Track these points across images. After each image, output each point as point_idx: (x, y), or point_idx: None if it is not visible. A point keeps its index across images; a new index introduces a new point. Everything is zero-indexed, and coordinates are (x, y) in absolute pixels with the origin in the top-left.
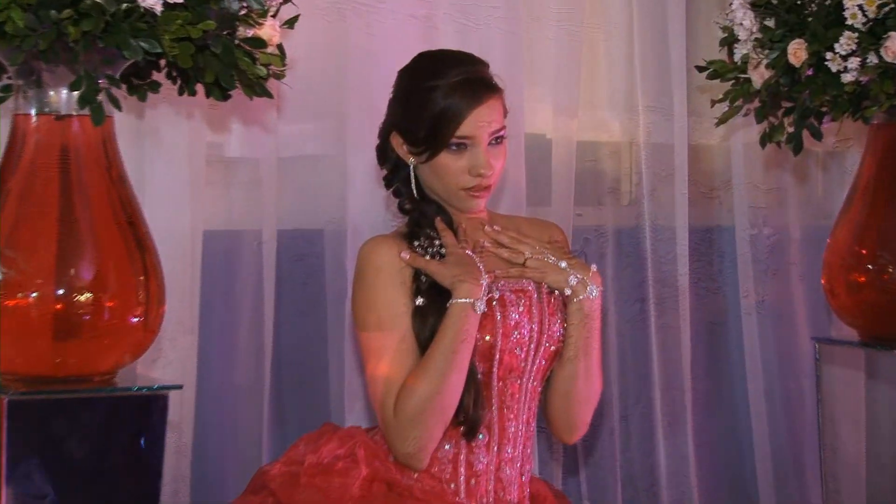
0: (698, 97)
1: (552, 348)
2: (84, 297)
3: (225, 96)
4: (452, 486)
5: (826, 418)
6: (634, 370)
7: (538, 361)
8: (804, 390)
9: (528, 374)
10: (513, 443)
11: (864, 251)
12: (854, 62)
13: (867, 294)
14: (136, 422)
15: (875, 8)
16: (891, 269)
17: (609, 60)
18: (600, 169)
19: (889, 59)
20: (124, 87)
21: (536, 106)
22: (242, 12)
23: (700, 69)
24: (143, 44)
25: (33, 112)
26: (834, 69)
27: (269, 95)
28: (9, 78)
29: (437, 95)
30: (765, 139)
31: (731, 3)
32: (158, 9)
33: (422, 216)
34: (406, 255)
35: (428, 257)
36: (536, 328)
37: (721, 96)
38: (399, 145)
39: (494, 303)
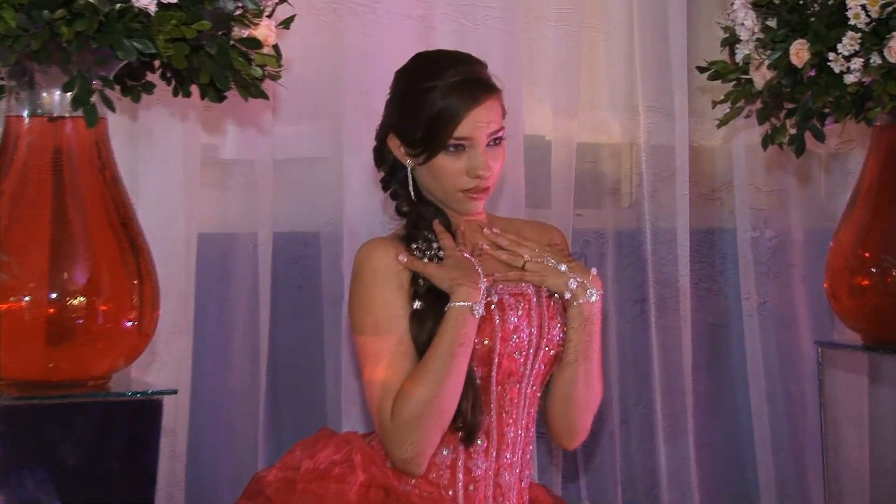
0: (699, 98)
1: (552, 352)
2: (77, 300)
3: (220, 97)
4: (451, 492)
5: (829, 422)
6: (635, 373)
7: (537, 366)
8: (806, 393)
9: (528, 378)
10: (512, 448)
11: (867, 254)
12: (857, 63)
13: (870, 297)
14: (131, 427)
15: (878, 8)
16: (894, 273)
17: (609, 61)
18: (600, 170)
19: (892, 60)
20: (118, 88)
21: (535, 107)
22: (238, 12)
23: (701, 70)
24: (136, 44)
25: (26, 114)
26: (837, 70)
27: (265, 97)
28: (1, 79)
29: (434, 96)
30: (766, 141)
31: (732, 3)
32: (152, 9)
33: (419, 218)
34: (403, 257)
35: (426, 260)
36: (536, 332)
37: (722, 97)
38: (396, 147)
39: (493, 306)
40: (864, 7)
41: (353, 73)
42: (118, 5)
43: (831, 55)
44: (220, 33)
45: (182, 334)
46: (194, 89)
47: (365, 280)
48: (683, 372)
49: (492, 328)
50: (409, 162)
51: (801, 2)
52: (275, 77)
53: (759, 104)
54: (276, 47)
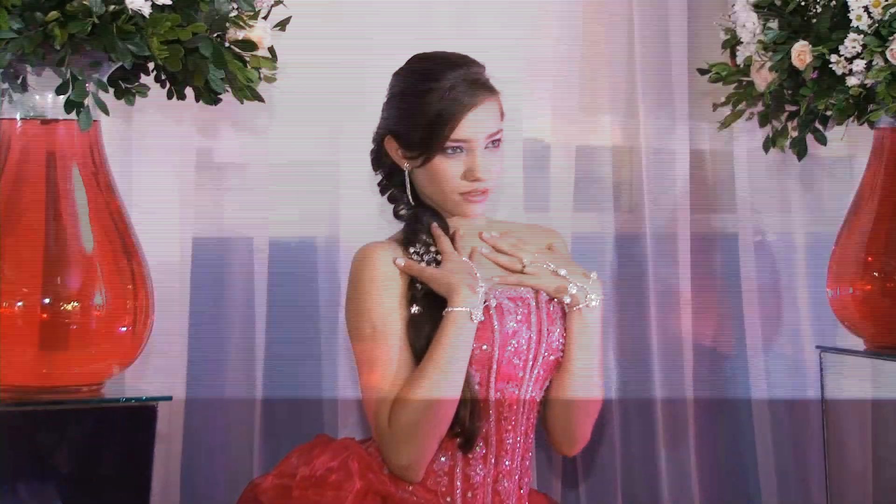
0: (700, 101)
1: (551, 358)
2: (71, 306)
3: (215, 100)
4: (448, 499)
5: (831, 428)
6: (635, 379)
7: (537, 371)
8: (808, 398)
9: (526, 384)
10: (511, 455)
11: (869, 258)
12: (859, 65)
13: (873, 302)
14: (125, 433)
15: (881, 9)
16: None
17: (609, 63)
18: (600, 174)
19: (895, 62)
20: (112, 90)
21: (535, 110)
22: (233, 14)
23: (702, 72)
24: (130, 46)
25: (18, 117)
26: (839, 72)
27: (260, 99)
28: None
29: (432, 98)
30: (768, 144)
31: (733, 5)
32: (146, 11)
33: (417, 222)
34: (401, 261)
35: (423, 264)
36: (535, 337)
37: (723, 100)
38: (394, 150)
39: (492, 311)
40: (866, 9)
41: (350, 75)
42: (112, 7)
43: (833, 57)
44: (214, 35)
45: (177, 340)
46: (189, 92)
47: (362, 285)
48: (684, 377)
49: (490, 333)
50: (406, 165)
51: (802, 3)
52: (270, 79)
53: (760, 107)
54: (271, 49)
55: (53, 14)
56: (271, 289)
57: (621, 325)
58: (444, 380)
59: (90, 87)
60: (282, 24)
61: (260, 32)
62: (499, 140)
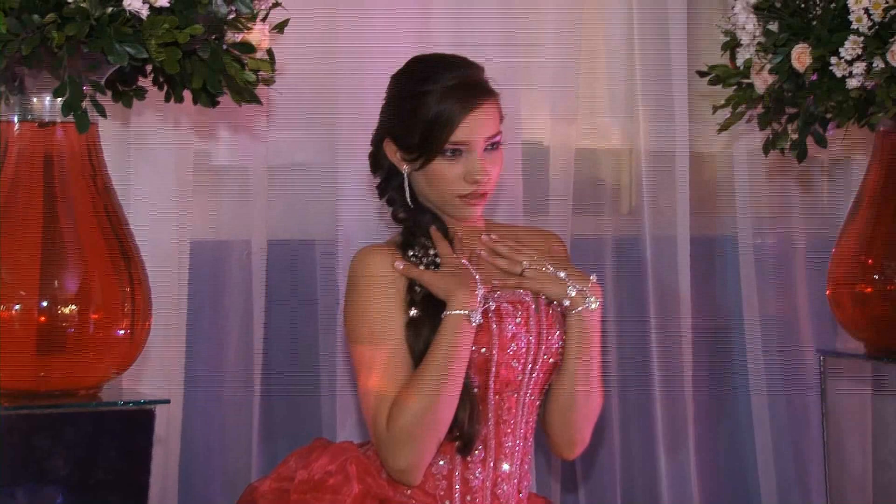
0: (700, 103)
1: (550, 361)
2: (68, 309)
3: (213, 103)
4: (447, 502)
5: (832, 432)
6: (635, 383)
7: (536, 375)
8: (808, 402)
9: (526, 387)
10: (510, 458)
11: (870, 261)
12: (859, 67)
13: (873, 305)
14: (123, 437)
15: (881, 11)
16: None
17: (608, 65)
18: (599, 177)
19: (895, 64)
20: (109, 93)
21: (534, 112)
22: (231, 16)
23: (701, 74)
24: (128, 49)
25: (16, 119)
26: (839, 74)
27: (259, 102)
28: None
29: (430, 100)
30: (768, 146)
31: (733, 7)
32: (144, 13)
33: (416, 225)
34: (400, 264)
35: (422, 267)
36: (534, 340)
37: (723, 102)
38: (392, 152)
39: (490, 314)
40: (866, 11)
41: (348, 77)
42: (109, 9)
43: (833, 59)
44: (212, 38)
45: (174, 343)
46: (187, 94)
47: (360, 288)
48: (684, 381)
49: (489, 336)
50: (405, 167)
51: (802, 5)
52: (268, 82)
53: (760, 109)
54: (269, 52)
55: (51, 16)
56: (269, 292)
57: (621, 327)
58: (443, 383)
59: (88, 89)
60: (280, 27)
61: (258, 35)
62: (498, 142)
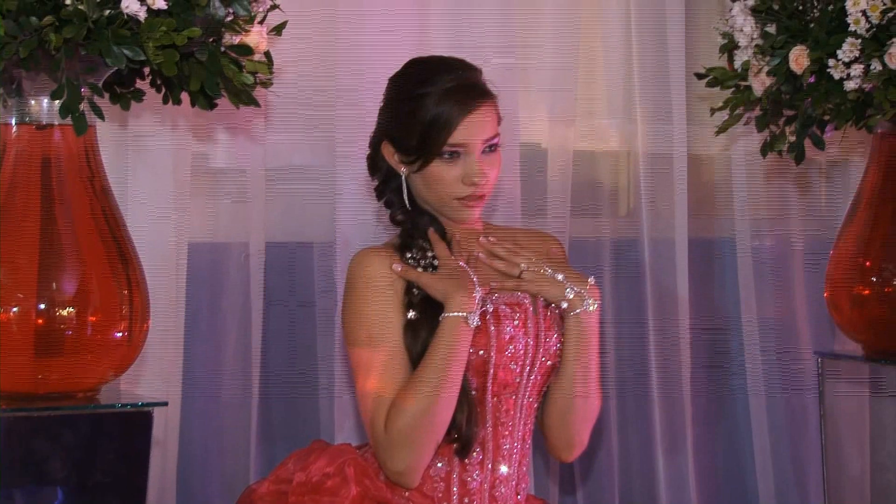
0: (698, 105)
1: (549, 363)
2: (66, 311)
3: (211, 105)
4: None
5: (829, 434)
6: (633, 385)
7: (534, 377)
8: (806, 404)
9: (524, 389)
10: (508, 460)
11: (867, 263)
12: (857, 69)
13: (871, 307)
14: (121, 439)
15: (879, 14)
16: (895, 282)
17: (606, 67)
18: (598, 179)
19: (893, 66)
20: (107, 95)
21: (532, 114)
22: (228, 19)
23: (699, 76)
24: (126, 51)
25: (13, 122)
26: (836, 76)
27: (256, 104)
28: None
29: (428, 102)
30: (766, 148)
31: (731, 9)
32: (142, 15)
33: (414, 227)
34: (398, 267)
35: (420, 269)
36: (532, 342)
37: (721, 104)
38: (390, 154)
39: (488, 316)
40: (864, 13)
41: (346, 80)
42: (107, 12)
43: (831, 61)
44: (210, 40)
45: (172, 345)
46: (184, 97)
47: (358, 290)
48: (682, 383)
49: (487, 338)
50: (403, 170)
51: (800, 7)
52: (266, 84)
53: (758, 111)
54: (267, 54)
55: (49, 19)
56: (267, 294)
57: (619, 329)
58: (441, 385)
59: (85, 91)
60: (278, 29)
61: (256, 37)
62: (496, 144)
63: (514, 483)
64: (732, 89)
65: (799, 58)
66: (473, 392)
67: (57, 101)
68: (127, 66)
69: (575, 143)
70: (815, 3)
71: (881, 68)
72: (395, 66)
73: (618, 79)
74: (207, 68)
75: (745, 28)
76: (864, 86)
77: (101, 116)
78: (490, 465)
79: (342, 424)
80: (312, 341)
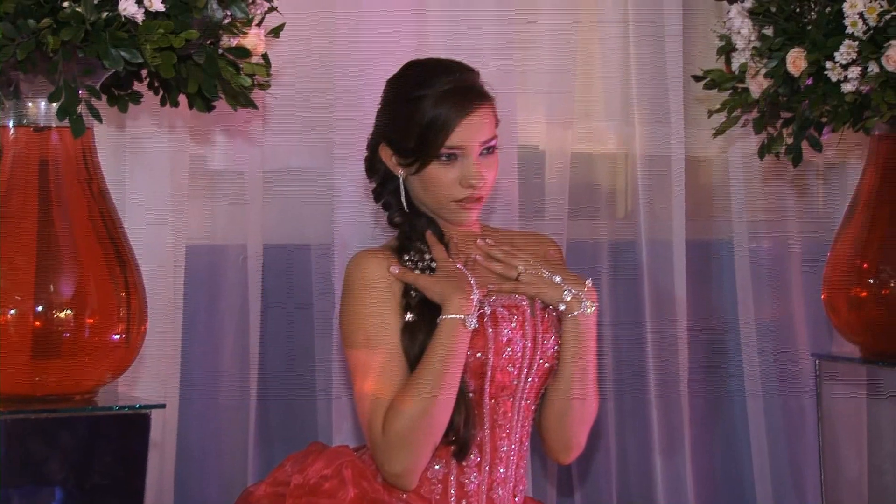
0: (695, 107)
1: (546, 365)
2: (64, 313)
3: (208, 107)
4: None
5: (827, 436)
6: (630, 387)
7: (531, 379)
8: (804, 406)
9: (521, 391)
10: (505, 463)
11: (865, 265)
12: (854, 71)
13: (868, 309)
14: (118, 441)
15: (876, 16)
16: (893, 284)
17: (604, 69)
18: (595, 181)
19: (890, 69)
20: (105, 97)
21: (529, 116)
22: (226, 21)
23: (697, 78)
24: (123, 53)
25: (11, 124)
26: (834, 79)
27: (254, 106)
28: None
29: (425, 105)
30: (763, 150)
31: (728, 11)
32: (139, 18)
33: (412, 229)
34: (395, 269)
35: (418, 272)
36: (530, 345)
37: (718, 106)
38: (388, 157)
39: (486, 318)
40: (861, 15)
41: (344, 82)
42: (105, 14)
43: (828, 64)
44: (208, 42)
45: (170, 347)
46: (182, 99)
47: (356, 292)
48: (680, 385)
49: (485, 341)
50: (400, 172)
51: (797, 10)
52: (264, 86)
53: (755, 113)
54: (265, 56)
55: (46, 21)
56: (265, 296)
57: (616, 331)
58: (439, 387)
59: (83, 94)
60: (275, 31)
61: (254, 39)
62: (493, 147)
63: (511, 485)
64: (730, 91)
65: (796, 60)
66: (471, 394)
67: (54, 104)
68: (124, 68)
69: (573, 146)
70: (813, 6)
71: (878, 70)
72: (393, 68)
73: (615, 81)
74: (205, 70)
75: (743, 30)
76: (862, 88)
77: (99, 119)
78: (487, 468)
79: (340, 426)
80: (310, 343)
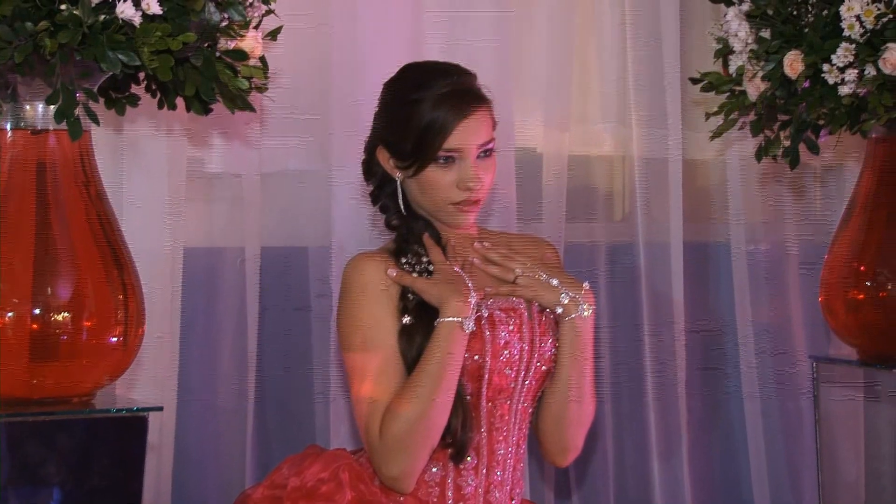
0: (692, 110)
1: (543, 368)
2: (61, 316)
3: (206, 110)
4: None
5: (824, 438)
6: (628, 390)
7: (528, 382)
8: (801, 409)
9: (518, 394)
10: (502, 465)
11: (862, 268)
12: (852, 74)
13: (866, 312)
14: (116, 444)
15: (873, 19)
16: (890, 287)
17: (601, 72)
18: (593, 184)
19: (887, 71)
20: (102, 100)
21: (527, 119)
22: (223, 24)
23: (694, 81)
24: (121, 56)
25: (8, 127)
26: (831, 81)
27: (252, 109)
28: None
29: (423, 107)
30: (760, 153)
31: (725, 14)
32: (137, 20)
33: (409, 232)
34: (393, 272)
35: (415, 274)
36: (527, 347)
37: (716, 109)
38: (385, 160)
39: (483, 321)
40: (858, 18)
41: (342, 85)
42: (102, 17)
43: (826, 66)
44: (205, 45)
45: (168, 350)
46: (180, 102)
47: (353, 295)
48: (677, 388)
49: (482, 344)
50: (398, 175)
51: (794, 13)
52: (261, 89)
53: (752, 116)
54: (262, 59)
55: (44, 24)
56: (263, 299)
57: (614, 334)
58: (436, 390)
59: (80, 96)
60: (273, 34)
61: (251, 42)
62: (491, 149)
63: (508, 488)
64: (727, 94)
65: (793, 63)
66: (468, 397)
67: (52, 106)
68: (122, 71)
69: (570, 148)
70: (810, 8)
71: (875, 73)
72: (391, 71)
73: (613, 83)
74: (202, 73)
75: (740, 33)
76: (859, 91)
77: (97, 121)
78: (484, 471)
79: (337, 429)
80: (308, 346)
